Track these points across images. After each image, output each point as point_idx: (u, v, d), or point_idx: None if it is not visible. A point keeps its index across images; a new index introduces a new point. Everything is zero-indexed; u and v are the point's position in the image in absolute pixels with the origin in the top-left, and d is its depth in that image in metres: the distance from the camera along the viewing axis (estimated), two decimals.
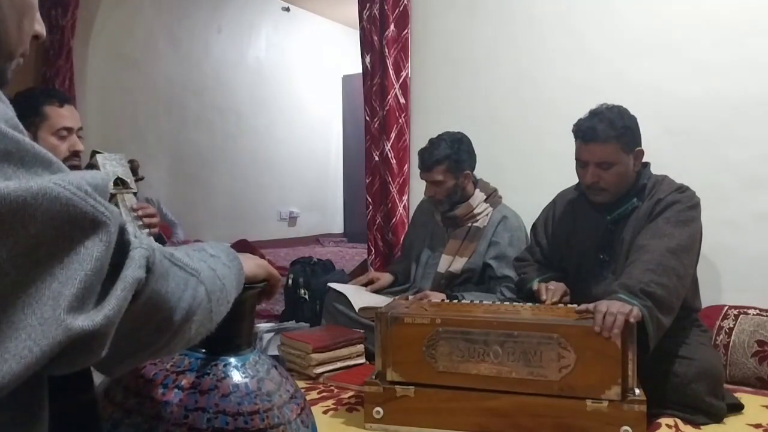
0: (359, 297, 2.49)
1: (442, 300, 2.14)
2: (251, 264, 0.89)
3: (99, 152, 1.75)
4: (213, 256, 0.77)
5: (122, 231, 0.59)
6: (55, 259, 0.52)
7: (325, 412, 1.90)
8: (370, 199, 3.13)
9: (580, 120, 2.00)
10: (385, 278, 2.68)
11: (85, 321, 0.53)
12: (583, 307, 1.74)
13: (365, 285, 2.65)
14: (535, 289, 2.07)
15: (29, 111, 1.90)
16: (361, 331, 2.38)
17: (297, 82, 6.32)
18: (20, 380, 0.50)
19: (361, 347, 2.34)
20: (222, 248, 0.82)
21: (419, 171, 2.53)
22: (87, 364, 0.58)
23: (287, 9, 6.16)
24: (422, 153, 2.49)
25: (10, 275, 0.50)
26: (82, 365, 0.57)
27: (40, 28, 0.71)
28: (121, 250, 0.58)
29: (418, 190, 2.81)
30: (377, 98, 3.06)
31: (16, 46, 0.68)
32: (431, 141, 2.50)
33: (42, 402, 0.61)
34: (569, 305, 1.89)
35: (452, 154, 2.43)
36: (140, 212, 1.73)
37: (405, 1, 2.99)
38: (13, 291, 0.50)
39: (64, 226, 0.52)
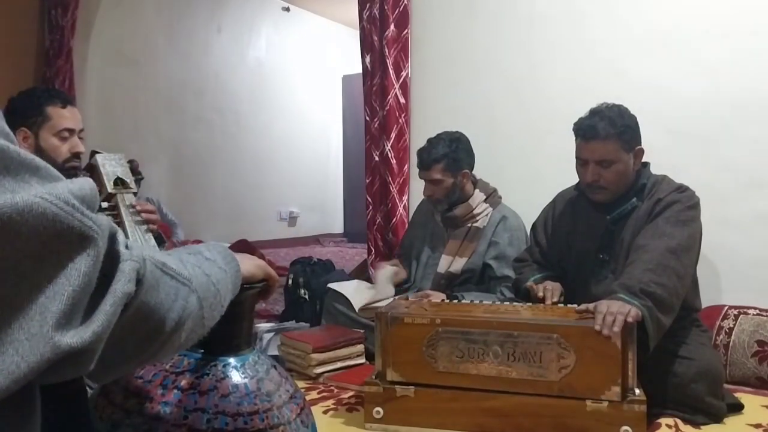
0: (359, 297, 2.49)
1: (442, 300, 2.14)
2: (249, 264, 0.89)
3: (98, 152, 1.75)
4: (209, 260, 0.77)
5: (113, 241, 0.58)
6: (41, 274, 0.51)
7: (325, 412, 1.90)
8: (370, 199, 3.13)
9: (580, 118, 2.01)
10: (403, 273, 2.64)
11: (74, 338, 0.53)
12: (583, 307, 1.74)
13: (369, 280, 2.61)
14: (527, 286, 2.07)
15: (31, 111, 1.90)
16: (361, 331, 2.38)
17: (297, 82, 6.32)
18: (7, 393, 0.50)
19: (361, 347, 2.33)
20: (219, 250, 0.81)
21: (418, 170, 2.53)
22: (75, 376, 0.57)
23: (287, 9, 6.16)
24: (421, 152, 2.49)
25: None
26: (71, 377, 0.57)
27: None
28: (111, 261, 0.57)
29: (418, 190, 2.81)
30: (377, 98, 3.06)
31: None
32: (429, 140, 2.50)
33: (34, 399, 0.61)
34: (569, 305, 1.89)
35: (450, 153, 2.44)
36: (139, 208, 1.73)
37: (405, 1, 2.99)
38: (2, 303, 0.50)
39: (50, 242, 0.52)
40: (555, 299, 1.97)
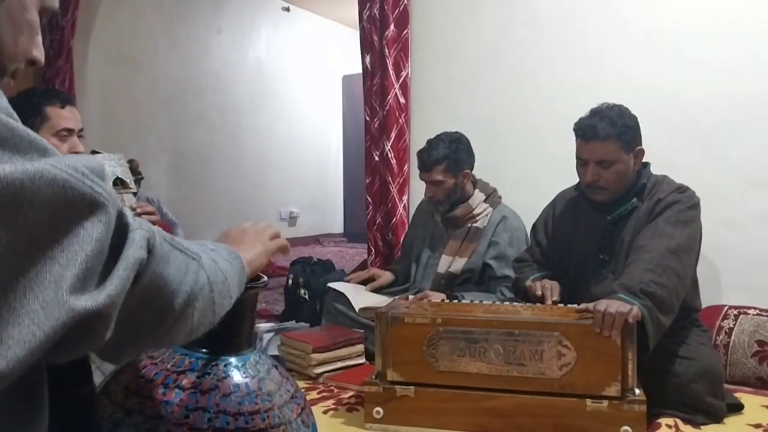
0: (359, 297, 2.49)
1: (442, 300, 2.14)
2: (249, 255, 0.87)
3: (98, 152, 1.75)
4: (214, 250, 0.77)
5: (120, 215, 0.58)
6: (54, 242, 0.52)
7: (325, 412, 1.90)
8: (370, 199, 3.13)
9: (580, 118, 2.01)
10: (386, 276, 2.68)
11: (88, 301, 0.53)
12: (582, 306, 1.74)
13: (365, 282, 2.65)
14: (527, 286, 2.07)
15: (30, 111, 1.90)
16: (361, 331, 2.38)
17: (297, 82, 6.32)
18: (25, 365, 0.50)
19: (361, 347, 2.33)
20: (222, 245, 0.81)
21: (419, 172, 2.53)
22: (91, 347, 0.57)
23: (287, 9, 6.16)
24: (421, 154, 2.49)
25: (10, 260, 0.49)
26: (86, 349, 0.57)
27: (39, 54, 0.71)
28: (121, 232, 0.58)
29: (418, 190, 2.81)
30: (377, 98, 3.06)
31: (9, 60, 0.68)
32: (429, 141, 2.50)
33: (42, 394, 0.61)
34: (569, 305, 1.89)
35: (451, 154, 2.44)
36: (139, 210, 1.73)
37: (405, 1, 2.99)
38: (13, 276, 0.50)
39: (62, 208, 0.52)
40: (555, 297, 1.97)
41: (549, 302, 1.95)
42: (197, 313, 0.68)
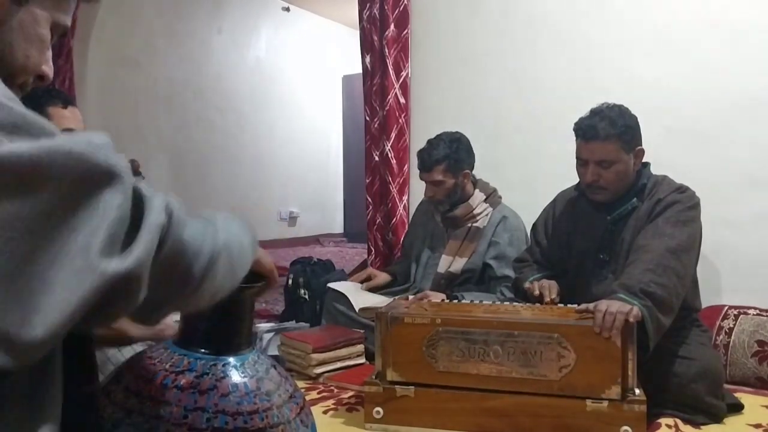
0: (359, 297, 2.49)
1: (442, 300, 2.14)
2: (260, 250, 0.88)
3: None
4: (226, 219, 0.77)
5: (136, 186, 0.59)
6: (76, 212, 0.53)
7: (325, 412, 1.90)
8: (370, 199, 3.13)
9: (581, 118, 2.01)
10: (382, 277, 2.68)
11: (119, 264, 0.53)
12: (582, 306, 1.74)
13: (363, 281, 2.65)
14: (526, 287, 2.07)
15: (32, 111, 1.90)
16: (361, 331, 2.38)
17: (297, 82, 6.32)
18: (63, 331, 0.51)
19: (361, 347, 2.33)
20: (231, 216, 0.82)
21: (419, 172, 2.53)
22: (126, 310, 0.58)
23: (287, 9, 6.16)
24: (421, 154, 2.49)
25: (34, 233, 0.50)
26: (122, 313, 0.58)
27: (48, 70, 0.73)
28: (138, 202, 0.58)
29: (418, 190, 2.81)
30: (377, 98, 3.07)
31: (18, 73, 0.69)
32: (430, 141, 2.50)
33: (56, 384, 0.62)
34: (569, 305, 1.89)
35: (451, 154, 2.43)
36: None
37: (405, 1, 3.00)
38: (39, 247, 0.51)
39: (80, 179, 0.53)
40: (553, 296, 1.97)
41: (547, 299, 1.95)
42: (219, 274, 0.68)
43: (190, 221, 0.65)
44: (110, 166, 0.55)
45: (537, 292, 2.00)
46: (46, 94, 1.97)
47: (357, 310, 2.42)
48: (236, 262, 0.73)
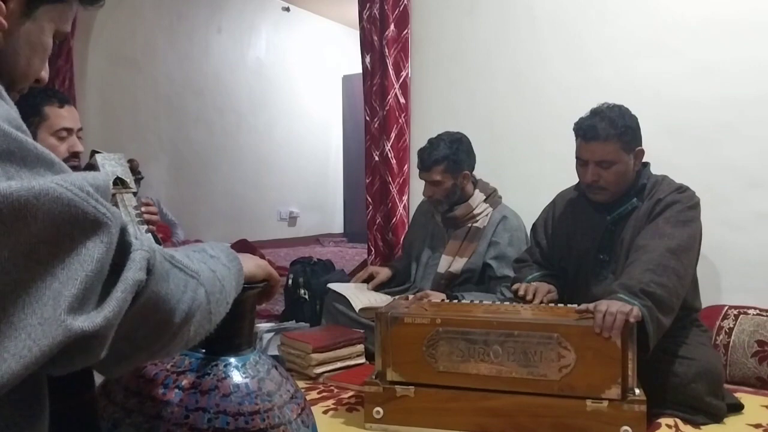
0: (359, 297, 2.49)
1: (442, 300, 2.14)
2: (251, 264, 0.90)
3: (98, 152, 1.75)
4: (213, 257, 0.77)
5: (123, 232, 0.59)
6: (56, 259, 0.52)
7: (325, 412, 1.90)
8: (370, 199, 3.13)
9: (581, 118, 2.01)
10: (384, 272, 2.68)
11: (85, 322, 0.53)
12: (583, 306, 1.74)
13: (366, 281, 2.65)
14: (513, 288, 2.08)
15: (29, 111, 1.90)
16: (361, 331, 2.38)
17: (297, 82, 6.32)
18: (19, 379, 0.50)
19: (361, 347, 2.33)
20: (222, 249, 0.82)
21: (418, 171, 2.53)
22: (86, 364, 0.58)
23: (287, 9, 6.16)
24: (421, 153, 2.49)
25: (11, 274, 0.50)
26: (82, 365, 0.57)
27: (45, 74, 0.74)
28: (122, 251, 0.58)
29: (418, 190, 2.81)
30: (377, 98, 3.07)
31: (19, 79, 0.70)
32: (430, 141, 2.50)
33: (42, 400, 0.61)
34: (569, 305, 1.89)
35: (451, 155, 2.43)
36: (143, 209, 1.73)
37: (405, 1, 3.00)
38: (13, 290, 0.50)
39: (65, 226, 0.52)
40: (537, 300, 1.96)
41: (530, 297, 1.95)
42: (194, 327, 0.69)
43: (173, 274, 0.64)
44: (97, 216, 0.54)
45: (521, 292, 2.00)
46: (43, 94, 1.97)
47: (357, 310, 2.42)
48: (214, 310, 0.73)
